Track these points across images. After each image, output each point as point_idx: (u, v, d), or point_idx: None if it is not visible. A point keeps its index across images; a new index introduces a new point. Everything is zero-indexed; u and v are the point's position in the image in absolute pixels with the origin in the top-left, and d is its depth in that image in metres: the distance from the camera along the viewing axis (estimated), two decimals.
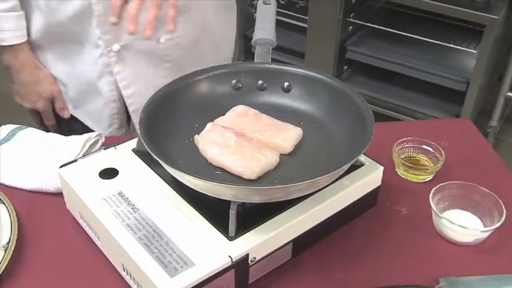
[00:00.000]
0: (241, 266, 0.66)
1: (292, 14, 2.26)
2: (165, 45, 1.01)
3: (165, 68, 1.05)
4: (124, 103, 1.08)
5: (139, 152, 0.80)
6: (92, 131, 1.10)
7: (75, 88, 1.10)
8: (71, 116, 1.14)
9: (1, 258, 0.71)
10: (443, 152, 0.89)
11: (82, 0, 0.95)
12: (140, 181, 0.76)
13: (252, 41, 0.89)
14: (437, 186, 0.81)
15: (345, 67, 2.28)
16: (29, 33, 1.04)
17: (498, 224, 0.76)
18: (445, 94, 2.09)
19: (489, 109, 2.14)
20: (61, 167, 0.78)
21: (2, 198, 0.80)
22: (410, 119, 2.11)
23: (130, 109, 1.08)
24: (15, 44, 1.02)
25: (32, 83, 1.08)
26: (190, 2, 0.99)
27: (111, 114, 1.10)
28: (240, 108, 0.81)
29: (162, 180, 0.75)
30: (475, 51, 1.94)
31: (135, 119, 1.09)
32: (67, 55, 1.06)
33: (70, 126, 1.15)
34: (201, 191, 0.68)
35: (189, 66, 1.04)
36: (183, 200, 0.72)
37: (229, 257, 0.65)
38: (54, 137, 0.92)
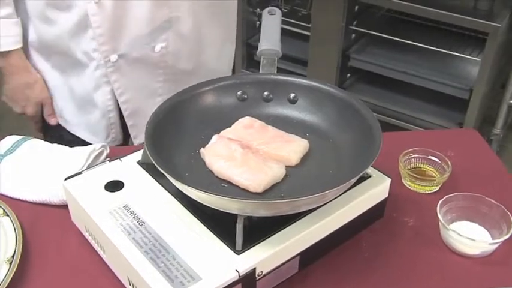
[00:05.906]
0: (248, 280, 0.66)
1: (294, 22, 2.25)
2: (160, 53, 1.02)
3: (160, 74, 1.06)
4: (120, 112, 1.08)
5: (144, 164, 0.79)
6: (82, 140, 1.11)
7: (70, 101, 1.10)
8: (58, 124, 1.15)
9: (6, 271, 0.71)
10: (449, 163, 0.88)
11: (79, 12, 0.95)
12: (146, 194, 0.75)
13: (258, 51, 0.89)
14: (445, 198, 0.80)
15: (348, 75, 2.27)
16: (25, 41, 1.04)
17: (506, 236, 0.75)
18: (448, 102, 2.08)
19: (492, 116, 2.14)
20: (66, 179, 0.78)
21: (7, 211, 0.80)
22: (413, 126, 2.10)
23: (125, 114, 1.08)
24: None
25: (22, 87, 1.08)
26: (180, 13, 1.00)
27: (109, 124, 1.10)
28: (245, 120, 0.81)
29: (168, 193, 0.75)
30: (478, 59, 1.94)
31: (130, 122, 1.10)
32: (62, 68, 1.06)
33: (57, 133, 1.15)
34: (207, 205, 0.67)
35: (186, 75, 1.07)
36: (190, 214, 0.72)
37: (237, 271, 0.64)
38: (59, 148, 0.92)
